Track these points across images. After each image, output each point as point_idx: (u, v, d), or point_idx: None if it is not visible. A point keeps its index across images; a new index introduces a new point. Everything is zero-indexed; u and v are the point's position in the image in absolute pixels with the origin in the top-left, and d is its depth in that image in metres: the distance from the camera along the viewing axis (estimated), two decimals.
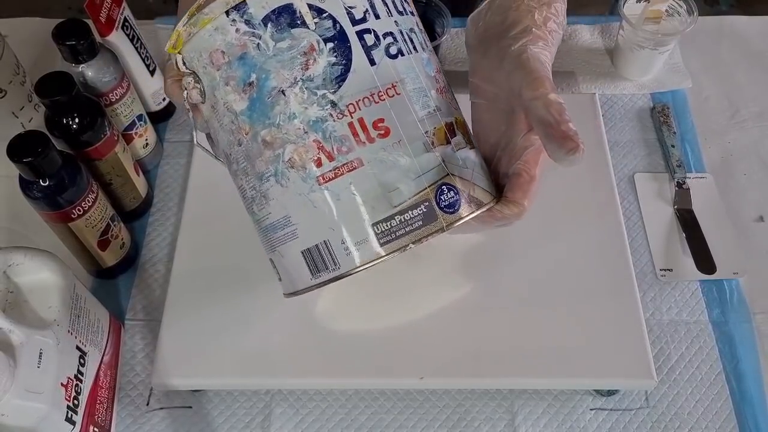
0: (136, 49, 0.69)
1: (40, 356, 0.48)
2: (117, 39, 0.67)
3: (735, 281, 0.67)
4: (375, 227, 0.42)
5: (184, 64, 0.45)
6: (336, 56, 0.41)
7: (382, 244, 0.42)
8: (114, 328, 0.62)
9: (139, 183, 0.68)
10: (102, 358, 0.58)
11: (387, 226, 0.42)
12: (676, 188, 0.72)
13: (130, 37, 0.69)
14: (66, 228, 0.59)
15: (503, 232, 0.62)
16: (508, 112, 0.50)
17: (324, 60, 0.41)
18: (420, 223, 0.42)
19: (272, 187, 0.44)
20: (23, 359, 0.47)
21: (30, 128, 0.64)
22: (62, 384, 0.50)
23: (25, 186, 0.55)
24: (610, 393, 0.60)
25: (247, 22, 0.42)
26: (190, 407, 0.61)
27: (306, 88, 0.41)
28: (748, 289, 0.66)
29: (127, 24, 0.68)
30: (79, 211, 0.58)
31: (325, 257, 0.43)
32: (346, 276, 0.43)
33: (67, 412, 0.51)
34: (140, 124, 0.70)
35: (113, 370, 0.61)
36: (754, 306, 0.65)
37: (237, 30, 0.42)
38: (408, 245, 0.42)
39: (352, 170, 0.42)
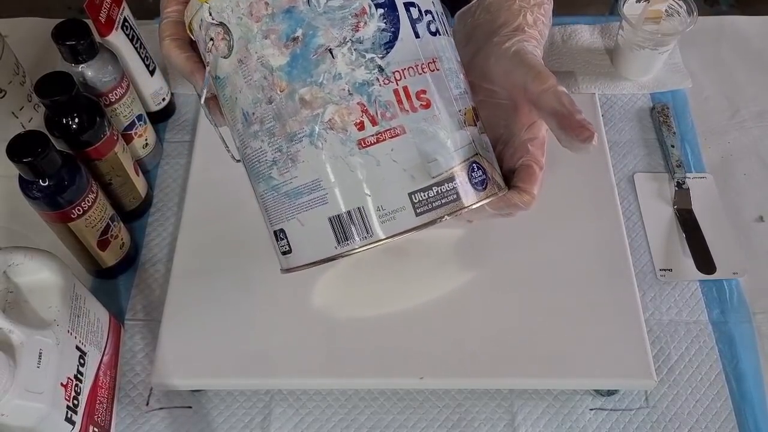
0: (136, 49, 0.69)
1: (39, 356, 0.48)
2: (117, 39, 0.67)
3: (735, 281, 0.67)
4: (413, 196, 0.42)
5: (210, 15, 0.44)
6: (385, 23, 0.42)
7: (418, 214, 0.42)
8: (114, 328, 0.62)
9: (139, 183, 0.68)
10: (102, 358, 0.58)
11: (424, 196, 0.42)
12: (676, 188, 0.72)
13: (130, 37, 0.69)
14: (66, 228, 0.59)
15: (503, 232, 0.63)
16: (507, 108, 0.51)
17: (374, 24, 0.42)
18: (454, 196, 0.43)
19: (304, 149, 0.42)
20: (23, 359, 0.47)
21: (30, 128, 0.64)
22: (62, 384, 0.50)
23: (25, 186, 0.55)
24: (610, 393, 0.60)
25: None
26: (190, 407, 0.61)
27: (355, 49, 0.41)
28: (748, 289, 0.66)
29: (126, 24, 0.68)
30: (79, 211, 0.58)
31: (357, 224, 0.42)
32: (376, 245, 0.42)
33: (67, 412, 0.51)
34: (140, 124, 0.70)
35: (113, 370, 0.61)
36: (754, 306, 0.65)
37: None
38: (443, 216, 0.42)
39: (395, 137, 0.42)
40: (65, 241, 0.61)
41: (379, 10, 0.42)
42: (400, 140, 0.42)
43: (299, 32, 0.41)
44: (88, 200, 0.58)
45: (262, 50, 0.42)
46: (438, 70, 0.43)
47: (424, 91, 0.42)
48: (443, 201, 0.42)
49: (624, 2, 0.76)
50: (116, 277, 0.67)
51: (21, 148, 0.53)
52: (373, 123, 0.42)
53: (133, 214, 0.70)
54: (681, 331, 0.64)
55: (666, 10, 0.77)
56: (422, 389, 0.61)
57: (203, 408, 0.60)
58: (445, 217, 0.42)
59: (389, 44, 0.42)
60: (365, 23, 0.41)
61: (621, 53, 0.79)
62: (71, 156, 0.57)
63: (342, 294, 0.60)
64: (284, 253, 0.46)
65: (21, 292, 0.52)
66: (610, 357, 0.57)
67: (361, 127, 0.42)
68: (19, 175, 0.55)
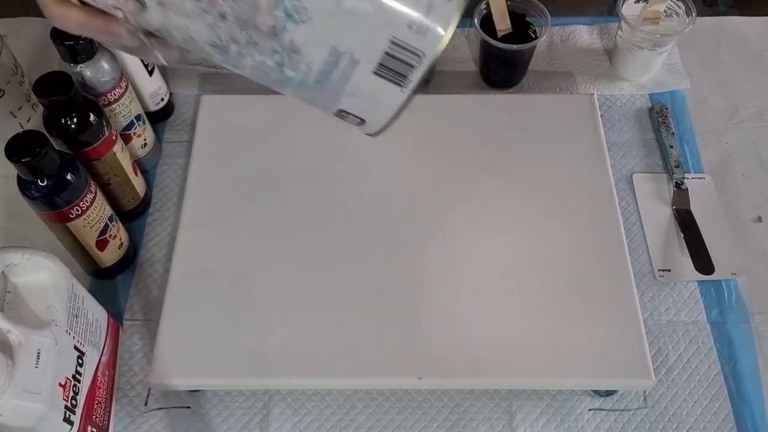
0: None
1: (38, 356, 0.48)
2: None
3: (733, 281, 0.67)
4: None
5: None
6: None
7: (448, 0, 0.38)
8: (112, 328, 0.61)
9: (138, 183, 0.68)
10: (100, 358, 0.58)
11: None
12: (675, 188, 0.72)
13: None
14: (64, 228, 0.59)
15: (502, 232, 0.63)
16: None
17: None
18: None
19: (295, 33, 0.37)
20: (21, 359, 0.47)
21: (28, 128, 0.64)
22: (60, 384, 0.50)
23: (24, 186, 0.55)
24: (609, 393, 0.60)
25: None
26: (189, 407, 0.61)
27: None
28: (747, 289, 0.66)
29: None
30: (78, 211, 0.58)
31: (402, 57, 0.38)
32: (438, 50, 0.38)
33: (65, 412, 0.51)
34: (138, 124, 0.70)
35: (111, 370, 0.61)
36: (753, 306, 0.65)
37: None
38: None
39: None
40: (64, 241, 0.61)
41: None
42: None
43: None
44: (86, 200, 0.58)
45: None
46: None
47: None
48: None
49: (623, 3, 0.76)
50: (115, 277, 0.67)
51: (19, 148, 0.53)
52: None
53: (132, 214, 0.70)
54: (679, 332, 0.64)
55: (665, 11, 0.77)
56: (421, 389, 0.61)
57: (202, 408, 0.60)
58: None
59: None
60: None
61: (620, 54, 0.80)
62: (70, 156, 0.57)
63: (341, 294, 0.60)
64: (359, 125, 0.42)
65: (19, 292, 0.52)
66: (609, 357, 0.57)
67: None
68: (18, 175, 0.55)
